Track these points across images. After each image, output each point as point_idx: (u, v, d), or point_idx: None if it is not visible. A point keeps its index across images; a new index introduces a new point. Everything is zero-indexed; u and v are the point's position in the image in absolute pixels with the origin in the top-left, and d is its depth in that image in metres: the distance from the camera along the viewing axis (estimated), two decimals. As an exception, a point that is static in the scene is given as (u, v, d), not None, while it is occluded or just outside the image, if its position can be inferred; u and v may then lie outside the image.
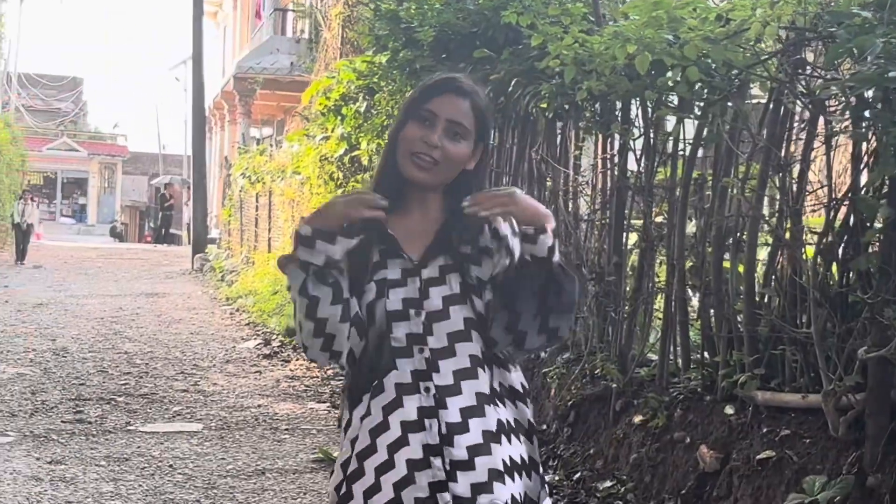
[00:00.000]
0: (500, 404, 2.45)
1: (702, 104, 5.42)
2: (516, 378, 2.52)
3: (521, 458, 2.45)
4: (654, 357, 5.98)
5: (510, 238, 2.36)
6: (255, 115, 25.36)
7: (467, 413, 2.39)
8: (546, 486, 2.54)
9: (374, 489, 2.38)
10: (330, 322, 2.38)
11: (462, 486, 2.36)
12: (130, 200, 57.81)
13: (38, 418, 7.47)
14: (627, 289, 6.13)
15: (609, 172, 6.40)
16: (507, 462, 2.41)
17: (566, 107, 6.51)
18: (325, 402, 8.26)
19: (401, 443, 2.37)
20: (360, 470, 2.41)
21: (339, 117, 10.08)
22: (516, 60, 6.77)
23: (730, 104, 5.28)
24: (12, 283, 18.47)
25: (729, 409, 5.10)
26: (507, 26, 7.23)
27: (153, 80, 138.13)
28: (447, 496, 2.35)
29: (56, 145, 53.29)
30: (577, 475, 5.81)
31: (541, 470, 2.52)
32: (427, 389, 2.39)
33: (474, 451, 2.37)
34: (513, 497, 2.39)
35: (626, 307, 6.04)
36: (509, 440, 2.43)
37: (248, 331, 12.74)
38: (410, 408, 2.38)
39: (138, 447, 6.72)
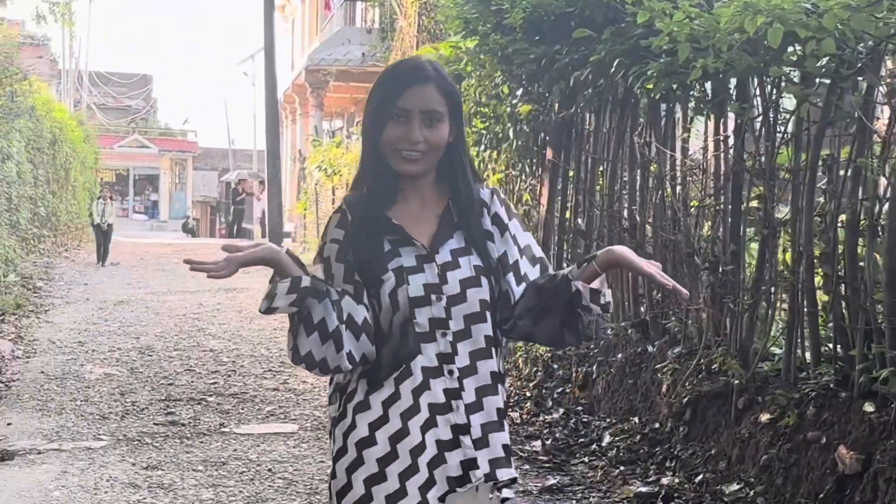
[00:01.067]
0: (502, 385, 2.58)
1: (828, 80, 5.08)
2: (502, 362, 2.64)
3: (508, 441, 2.58)
4: (778, 351, 5.64)
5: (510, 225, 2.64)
6: (326, 107, 25.21)
7: (482, 392, 2.51)
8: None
9: (412, 470, 2.47)
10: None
11: (483, 462, 2.49)
12: (201, 196, 58.27)
13: (129, 420, 7.31)
14: (747, 278, 5.78)
15: (723, 155, 6.03)
16: (507, 442, 2.56)
17: (674, 87, 6.16)
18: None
19: (430, 424, 2.48)
20: (393, 453, 2.47)
21: (423, 106, 9.80)
22: (618, 40, 6.43)
23: (861, 78, 4.92)
24: (91, 281, 18.49)
25: (868, 407, 4.74)
26: (606, 4, 6.90)
27: (221, 76, 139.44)
28: (479, 473, 2.47)
29: (127, 142, 53.84)
30: (699, 477, 5.48)
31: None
32: (451, 372, 2.49)
33: (489, 427, 2.49)
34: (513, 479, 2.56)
35: (746, 298, 5.68)
36: (505, 420, 2.57)
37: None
38: (437, 390, 2.48)
39: (234, 450, 6.52)
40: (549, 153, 8.24)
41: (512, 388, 7.89)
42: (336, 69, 21.74)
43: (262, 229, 34.58)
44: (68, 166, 27.77)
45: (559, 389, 7.46)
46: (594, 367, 7.14)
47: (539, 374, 7.83)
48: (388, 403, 2.49)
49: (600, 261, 2.56)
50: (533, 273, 2.63)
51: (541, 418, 7.10)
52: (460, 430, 2.48)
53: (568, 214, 8.14)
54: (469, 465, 2.48)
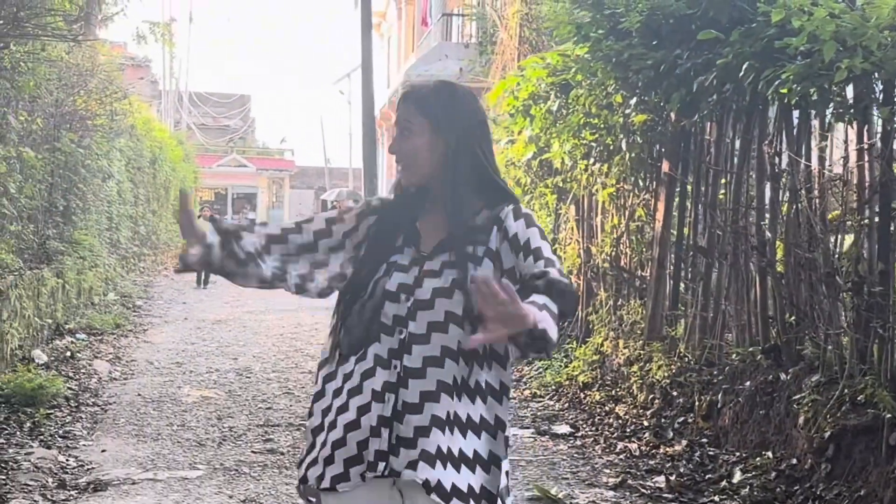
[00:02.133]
0: (463, 397, 2.61)
1: None
2: (496, 376, 2.65)
3: (476, 453, 2.60)
4: (935, 381, 5.08)
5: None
6: (423, 123, 24.94)
7: (425, 397, 2.58)
8: (508, 483, 2.68)
9: (341, 443, 2.64)
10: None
11: (400, 461, 2.58)
12: (297, 214, 58.60)
13: (226, 448, 7.00)
14: (898, 301, 5.23)
15: (868, 165, 5.49)
16: (452, 451, 2.57)
17: (811, 91, 5.64)
18: (528, 429, 7.55)
19: (366, 409, 2.62)
20: (334, 423, 2.65)
21: (528, 118, 9.37)
22: (747, 41, 5.93)
23: None
24: (190, 300, 18.46)
25: None
26: (731, 4, 6.42)
27: (318, 95, 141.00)
28: (382, 465, 2.59)
29: (226, 161, 54.45)
30: (847, 521, 4.94)
31: (503, 466, 2.65)
32: (395, 367, 2.62)
33: (420, 432, 2.57)
34: (438, 481, 2.54)
35: (898, 322, 5.13)
36: (463, 433, 2.59)
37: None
38: (379, 380, 2.62)
39: (336, 482, 6.15)
40: (665, 166, 7.75)
41: (627, 417, 7.40)
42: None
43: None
44: (168, 185, 27.97)
45: (680, 419, 6.94)
46: (719, 396, 6.61)
47: (656, 401, 7.33)
48: (345, 378, 2.67)
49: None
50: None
51: (661, 450, 6.61)
52: (384, 422, 2.60)
53: (686, 231, 7.64)
54: (381, 455, 2.60)
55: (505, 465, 2.66)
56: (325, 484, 2.67)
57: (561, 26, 7.39)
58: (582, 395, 8.23)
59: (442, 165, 2.70)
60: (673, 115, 7.52)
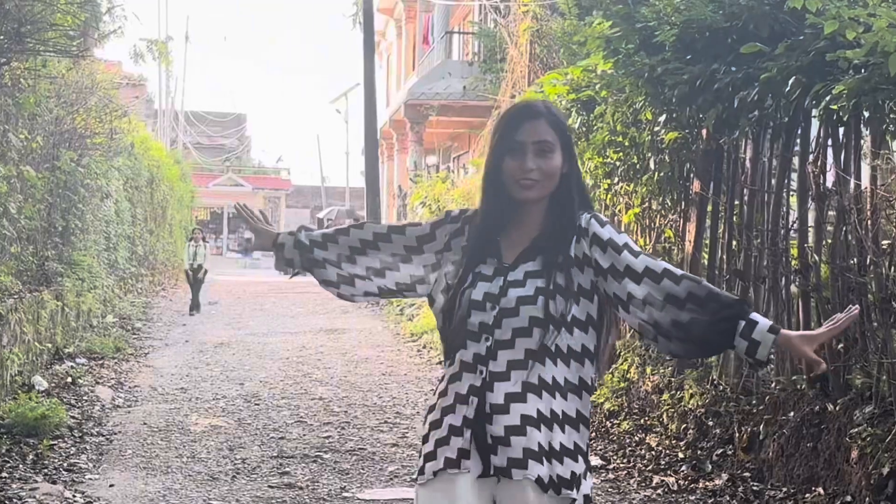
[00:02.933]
0: (547, 395, 2.79)
1: None
2: (586, 373, 2.87)
3: (562, 445, 2.79)
4: None
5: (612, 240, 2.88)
6: (426, 142, 24.67)
7: (510, 398, 2.78)
8: (589, 471, 2.89)
9: (445, 440, 2.85)
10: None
11: (500, 458, 2.78)
12: (294, 233, 58.21)
13: (241, 482, 6.64)
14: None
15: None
16: (544, 446, 2.77)
17: (864, 107, 5.34)
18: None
19: (449, 410, 2.85)
20: (439, 422, 2.89)
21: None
22: (793, 55, 5.64)
23: None
24: (190, 322, 18.12)
25: None
26: (772, 17, 6.13)
27: (314, 114, 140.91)
28: (469, 462, 2.79)
29: (222, 181, 54.19)
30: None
31: (582, 458, 2.85)
32: (481, 372, 2.82)
33: (512, 430, 2.76)
34: (549, 477, 2.76)
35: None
36: (550, 428, 2.78)
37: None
38: (465, 384, 2.83)
39: (360, 520, 5.82)
40: (695, 185, 7.45)
41: (660, 448, 7.07)
42: (438, 103, 21.15)
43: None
44: (165, 205, 27.66)
45: (718, 451, 6.61)
46: (761, 427, 6.28)
47: (690, 431, 7.00)
48: (450, 380, 2.90)
49: (774, 348, 2.79)
50: (657, 282, 2.83)
51: (701, 484, 6.27)
52: (467, 423, 2.81)
53: (719, 253, 7.33)
54: (464, 454, 2.81)
55: (586, 459, 2.90)
56: (426, 476, 2.90)
57: (590, 40, 7.10)
58: (608, 424, 7.90)
59: (559, 181, 2.90)
60: (705, 133, 7.23)
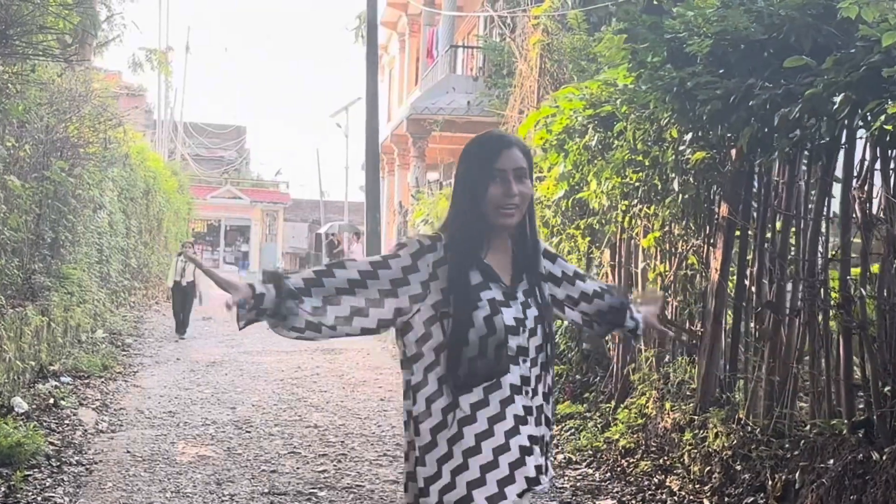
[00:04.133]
0: (552, 398, 3.17)
1: None
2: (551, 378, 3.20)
3: (546, 440, 3.13)
4: None
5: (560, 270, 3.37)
6: (428, 158, 24.16)
7: (540, 409, 3.07)
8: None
9: (493, 465, 2.94)
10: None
11: (550, 468, 3.13)
12: (290, 247, 57.87)
13: (228, 523, 6.12)
14: None
15: None
16: (545, 443, 3.12)
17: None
18: None
19: (514, 432, 2.97)
20: (477, 448, 2.94)
21: (562, 153, 8.58)
22: (842, 70, 5.14)
23: None
24: (185, 337, 17.59)
25: None
26: (816, 29, 5.64)
27: (314, 128, 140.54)
28: (545, 478, 3.05)
29: (220, 193, 53.76)
30: None
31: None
32: (527, 392, 3.03)
33: (533, 440, 3.02)
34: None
35: None
36: (549, 426, 3.15)
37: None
38: (519, 405, 2.99)
39: (358, 572, 5.29)
40: (723, 209, 6.94)
41: (682, 493, 6.55)
42: (441, 118, 20.64)
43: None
44: (161, 216, 27.17)
45: (748, 499, 6.07)
46: (797, 475, 5.75)
47: (716, 475, 6.47)
48: (477, 407, 2.94)
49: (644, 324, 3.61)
50: (583, 282, 3.42)
51: (730, 537, 5.75)
52: (534, 440, 3.00)
53: (747, 283, 6.82)
54: (539, 469, 3.00)
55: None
56: None
57: (613, 51, 6.60)
58: (624, 463, 7.37)
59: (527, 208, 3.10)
60: (734, 153, 6.73)
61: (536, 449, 3.01)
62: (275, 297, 2.95)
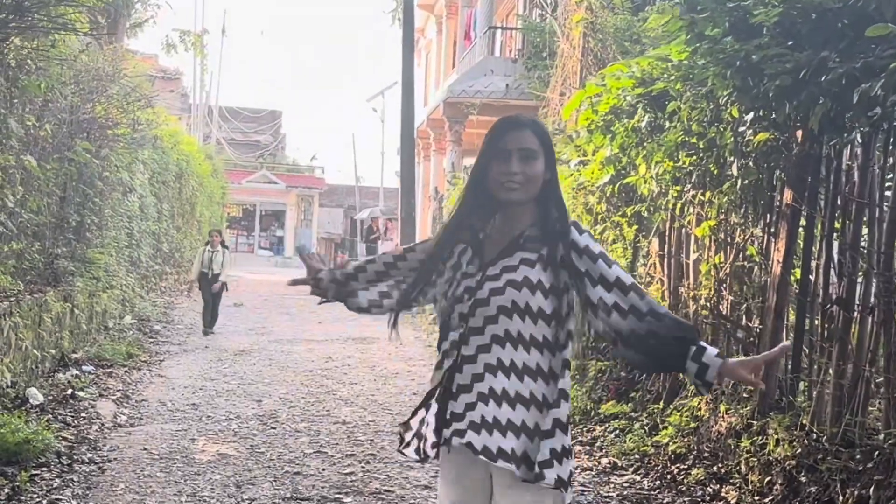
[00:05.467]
0: (512, 376, 3.08)
1: None
2: (554, 362, 3.12)
3: (523, 422, 3.07)
4: None
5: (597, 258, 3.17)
6: (465, 142, 23.58)
7: (474, 378, 3.11)
8: (554, 458, 3.03)
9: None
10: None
11: (450, 430, 3.10)
12: (326, 233, 57.55)
13: (246, 533, 5.64)
14: None
15: None
16: (500, 420, 3.06)
17: None
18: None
19: (434, 391, 3.23)
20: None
21: (609, 135, 8.02)
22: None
23: None
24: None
25: None
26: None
27: (349, 113, 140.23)
28: (447, 433, 3.13)
29: (255, 178, 53.45)
30: None
31: (540, 439, 3.05)
32: (455, 356, 3.15)
33: (468, 407, 3.09)
34: (484, 446, 3.03)
35: None
36: (512, 406, 3.07)
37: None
38: (445, 366, 3.18)
39: None
40: (787, 195, 6.36)
41: (740, 505, 6.00)
42: (479, 101, 20.04)
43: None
44: (194, 201, 26.81)
45: (816, 514, 5.52)
46: (871, 490, 5.19)
47: (778, 487, 5.91)
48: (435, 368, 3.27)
49: (719, 374, 3.07)
50: (620, 294, 3.14)
51: (796, 557, 5.20)
52: (440, 399, 3.19)
53: (814, 276, 6.24)
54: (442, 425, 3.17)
55: (562, 442, 3.06)
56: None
57: (671, 21, 6.02)
58: (675, 470, 6.83)
59: (541, 188, 3.19)
60: (800, 135, 6.15)
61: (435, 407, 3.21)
62: (329, 281, 3.54)
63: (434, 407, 3.19)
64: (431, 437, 3.20)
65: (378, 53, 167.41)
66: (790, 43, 5.60)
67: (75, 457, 7.11)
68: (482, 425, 3.03)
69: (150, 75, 23.25)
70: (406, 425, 3.37)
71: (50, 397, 8.81)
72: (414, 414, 3.34)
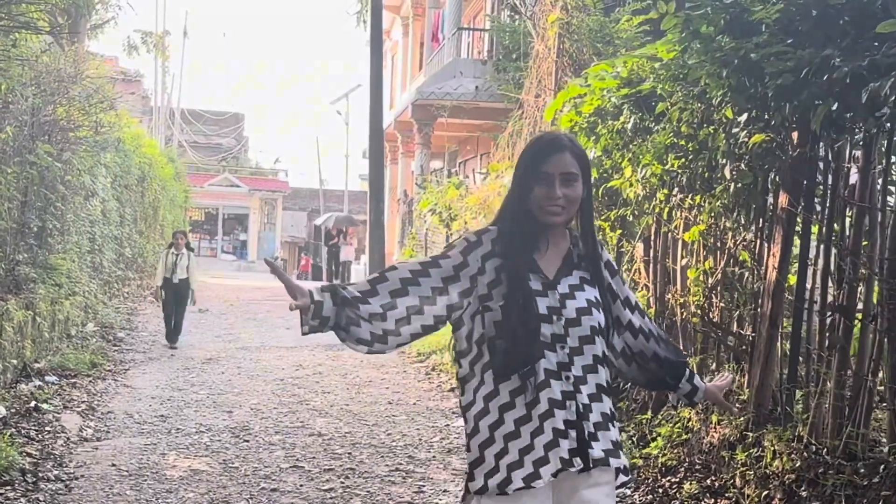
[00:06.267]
0: (609, 395, 3.19)
1: None
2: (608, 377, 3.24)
3: (617, 439, 3.19)
4: None
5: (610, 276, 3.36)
6: (434, 145, 23.30)
7: (592, 398, 3.12)
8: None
9: (529, 448, 3.04)
10: None
11: (597, 451, 3.08)
12: (289, 236, 57.14)
13: (223, 556, 5.36)
14: None
15: None
16: (617, 440, 3.18)
17: None
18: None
19: (548, 415, 3.06)
20: (516, 433, 3.06)
21: (594, 138, 7.80)
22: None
23: None
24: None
25: None
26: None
27: (313, 115, 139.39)
28: (595, 454, 3.06)
29: (217, 181, 52.94)
30: None
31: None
32: (567, 378, 3.10)
33: (599, 426, 3.11)
34: (625, 466, 3.18)
35: None
36: (614, 423, 3.19)
37: (455, 401, 10.52)
38: (556, 390, 3.07)
39: None
40: (782, 199, 6.16)
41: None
42: (449, 103, 19.78)
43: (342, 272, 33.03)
44: (157, 205, 26.39)
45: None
46: (879, 506, 4.99)
47: (776, 501, 5.69)
48: (515, 394, 3.08)
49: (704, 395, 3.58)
50: (637, 315, 3.41)
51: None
52: (570, 424, 3.06)
53: (810, 282, 6.04)
54: (574, 452, 3.05)
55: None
56: (515, 486, 3.04)
57: (667, 19, 5.80)
58: (666, 483, 6.60)
59: (579, 209, 3.24)
60: (795, 136, 5.96)
61: (573, 433, 3.06)
62: (332, 305, 3.04)
63: (566, 431, 3.06)
64: (555, 463, 3.04)
65: (342, 55, 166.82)
66: (790, 41, 5.39)
67: (41, 474, 6.79)
68: (617, 446, 3.16)
69: (112, 77, 22.81)
70: (480, 459, 3.13)
71: (13, 410, 8.47)
72: (491, 442, 3.10)
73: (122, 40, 37.41)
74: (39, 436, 7.90)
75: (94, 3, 23.88)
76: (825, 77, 5.09)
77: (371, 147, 20.96)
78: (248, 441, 8.16)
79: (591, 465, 3.05)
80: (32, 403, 8.89)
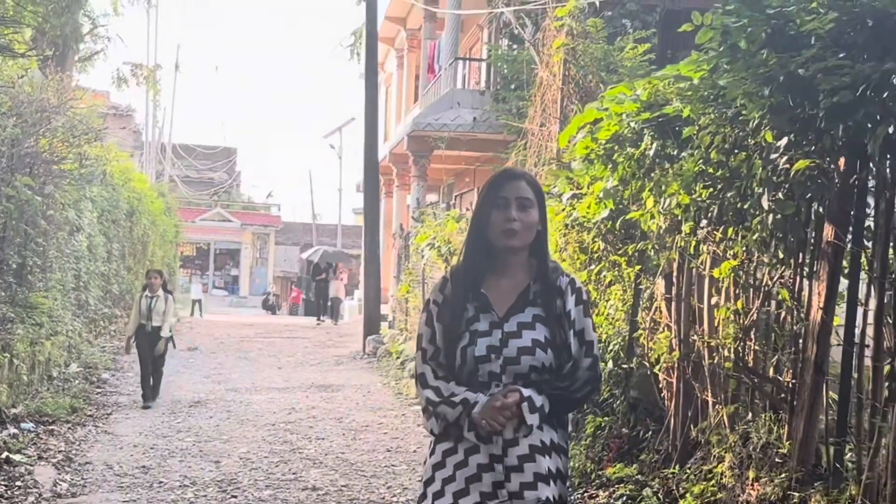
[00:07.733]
0: (545, 428, 3.29)
1: None
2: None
3: (558, 469, 3.32)
4: None
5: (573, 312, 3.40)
6: (430, 178, 22.70)
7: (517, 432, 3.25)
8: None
9: (451, 479, 3.27)
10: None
11: (514, 484, 3.23)
12: (282, 271, 56.55)
13: None
14: None
15: None
16: (548, 471, 3.27)
17: None
18: None
19: (473, 450, 3.27)
20: (442, 463, 3.31)
21: (611, 166, 7.23)
22: None
23: None
24: (166, 371, 16.12)
25: None
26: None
27: (306, 149, 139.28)
28: (504, 492, 3.23)
29: (209, 216, 52.42)
30: None
31: (563, 482, 3.34)
32: None
33: (523, 459, 3.24)
34: (551, 497, 3.26)
35: None
36: (548, 455, 3.29)
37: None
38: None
39: None
40: (827, 231, 5.56)
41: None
42: (447, 134, 19.21)
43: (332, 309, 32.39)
44: (146, 240, 25.79)
45: None
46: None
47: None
48: (451, 430, 3.31)
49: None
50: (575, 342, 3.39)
51: None
52: (496, 458, 3.25)
53: (861, 323, 5.43)
54: (498, 485, 3.23)
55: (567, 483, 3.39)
56: None
57: (702, 31, 5.22)
58: (699, 548, 5.96)
59: (535, 236, 3.40)
60: (842, 162, 5.37)
61: (499, 467, 3.23)
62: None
63: (469, 462, 3.26)
64: (474, 496, 3.25)
65: (335, 89, 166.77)
66: (842, 55, 4.82)
67: (5, 539, 6.14)
68: (548, 476, 3.26)
69: (103, 112, 22.26)
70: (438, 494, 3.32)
71: (-19, 463, 7.81)
72: (432, 477, 3.34)
73: (111, 72, 36.92)
74: (9, 492, 7.25)
75: (82, 35, 23.35)
76: (885, 94, 4.52)
77: (366, 179, 20.40)
78: (236, 496, 7.50)
79: (509, 498, 3.22)
80: (4, 454, 8.24)
